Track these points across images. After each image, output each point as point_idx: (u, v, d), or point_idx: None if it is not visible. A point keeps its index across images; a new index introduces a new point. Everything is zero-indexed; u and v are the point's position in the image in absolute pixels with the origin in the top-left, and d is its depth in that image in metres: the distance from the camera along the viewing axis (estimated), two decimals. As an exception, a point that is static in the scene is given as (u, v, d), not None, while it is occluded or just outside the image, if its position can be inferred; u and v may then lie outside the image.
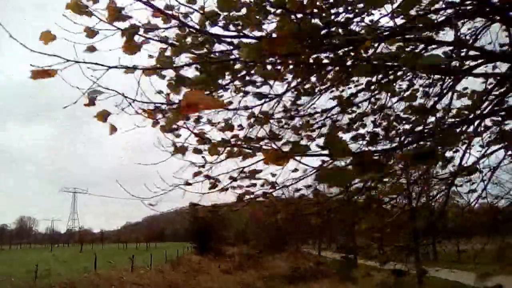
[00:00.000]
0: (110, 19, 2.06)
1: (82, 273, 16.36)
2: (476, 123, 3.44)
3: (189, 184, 2.84)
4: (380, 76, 3.26)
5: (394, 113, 3.78)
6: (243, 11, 2.25)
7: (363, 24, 2.78)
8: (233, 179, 2.87)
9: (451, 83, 3.57)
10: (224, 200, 3.19)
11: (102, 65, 2.18)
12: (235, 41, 2.20)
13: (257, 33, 2.38)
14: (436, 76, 3.68)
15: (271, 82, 2.96)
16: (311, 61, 2.62)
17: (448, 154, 3.64)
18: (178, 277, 17.48)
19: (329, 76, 3.34)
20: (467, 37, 3.63)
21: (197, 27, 2.24)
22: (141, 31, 2.23)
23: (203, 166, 2.82)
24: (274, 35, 2.32)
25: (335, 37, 2.32)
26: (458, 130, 3.45)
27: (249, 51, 1.67)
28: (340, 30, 2.42)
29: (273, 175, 3.02)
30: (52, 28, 2.15)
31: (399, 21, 2.75)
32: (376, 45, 3.00)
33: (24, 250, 55.96)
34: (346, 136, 3.59)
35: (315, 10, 2.43)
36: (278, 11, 2.31)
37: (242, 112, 3.14)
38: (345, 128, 3.64)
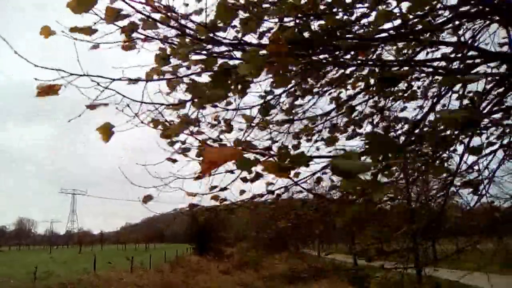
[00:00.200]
0: (108, 20, 2.06)
1: (82, 274, 16.32)
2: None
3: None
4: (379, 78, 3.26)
5: (392, 114, 3.78)
6: (242, 14, 2.25)
7: (362, 25, 2.77)
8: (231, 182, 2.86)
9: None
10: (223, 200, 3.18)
11: (106, 77, 2.22)
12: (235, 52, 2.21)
13: (256, 40, 2.38)
14: (436, 77, 3.68)
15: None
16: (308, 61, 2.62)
17: (446, 154, 3.64)
18: (177, 277, 17.45)
19: (327, 79, 3.34)
20: (467, 38, 3.64)
21: (196, 33, 2.23)
22: (140, 29, 2.23)
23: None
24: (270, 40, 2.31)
25: (339, 41, 2.31)
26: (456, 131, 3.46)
27: (248, 66, 1.65)
28: (343, 34, 2.41)
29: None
30: (52, 26, 2.17)
31: (398, 22, 2.75)
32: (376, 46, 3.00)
33: (23, 251, 55.88)
34: (343, 136, 3.59)
35: (314, 13, 2.42)
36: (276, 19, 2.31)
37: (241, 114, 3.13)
38: (343, 129, 3.63)
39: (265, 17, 2.27)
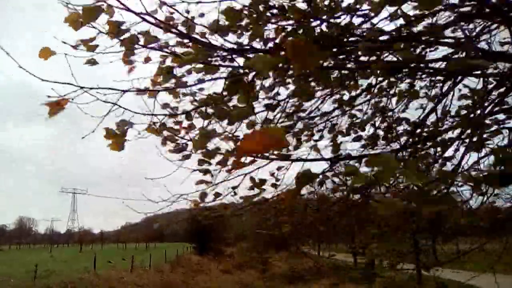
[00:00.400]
0: (112, 35, 2.06)
1: (82, 273, 16.34)
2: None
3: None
4: (381, 78, 3.25)
5: (394, 114, 3.77)
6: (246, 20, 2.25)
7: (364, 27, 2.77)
8: (235, 187, 2.85)
9: (451, 84, 3.57)
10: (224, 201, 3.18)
11: (116, 89, 2.22)
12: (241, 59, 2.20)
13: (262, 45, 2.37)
14: (437, 78, 3.67)
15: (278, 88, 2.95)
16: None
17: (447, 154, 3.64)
18: (177, 277, 17.48)
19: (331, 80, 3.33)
20: (467, 38, 3.63)
21: (200, 38, 2.23)
22: (141, 42, 2.22)
23: (206, 173, 2.80)
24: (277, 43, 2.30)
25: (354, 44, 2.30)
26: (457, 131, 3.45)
27: (263, 63, 1.60)
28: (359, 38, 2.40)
29: (277, 179, 3.01)
30: (52, 42, 2.16)
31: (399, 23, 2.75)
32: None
33: (24, 250, 55.93)
34: (346, 139, 3.57)
35: (319, 16, 2.42)
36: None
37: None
38: (345, 131, 3.62)
39: (271, 22, 2.27)
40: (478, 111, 3.41)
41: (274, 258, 25.67)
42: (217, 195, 2.81)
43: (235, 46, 2.20)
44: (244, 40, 2.36)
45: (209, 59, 2.15)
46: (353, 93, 3.49)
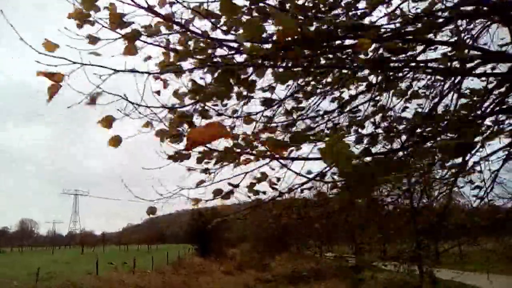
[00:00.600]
0: (113, 25, 2.07)
1: (84, 275, 16.34)
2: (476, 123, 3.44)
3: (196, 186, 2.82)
4: (380, 77, 3.26)
5: (395, 114, 3.78)
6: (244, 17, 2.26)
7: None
8: (236, 185, 2.85)
9: (452, 84, 3.57)
10: (224, 202, 3.18)
11: (107, 68, 2.20)
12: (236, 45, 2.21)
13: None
14: (437, 77, 3.68)
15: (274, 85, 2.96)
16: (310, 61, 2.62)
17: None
18: (179, 278, 17.45)
19: (329, 79, 3.34)
20: (467, 38, 3.64)
21: (199, 32, 2.24)
22: (143, 37, 2.23)
23: (205, 172, 2.81)
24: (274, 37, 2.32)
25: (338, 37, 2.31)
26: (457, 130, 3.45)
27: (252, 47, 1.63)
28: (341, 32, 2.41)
29: (278, 179, 3.00)
30: (54, 35, 2.17)
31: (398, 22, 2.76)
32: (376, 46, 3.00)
33: (26, 252, 55.92)
34: (348, 139, 3.58)
35: (316, 12, 2.43)
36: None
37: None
38: (345, 130, 3.62)
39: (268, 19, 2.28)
40: (478, 111, 3.42)
41: (275, 259, 25.62)
42: (217, 192, 2.81)
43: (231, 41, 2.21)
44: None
45: (208, 51, 2.17)
46: (353, 92, 3.50)
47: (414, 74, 3.61)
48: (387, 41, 2.64)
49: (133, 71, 2.30)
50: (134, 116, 2.38)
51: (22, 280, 14.90)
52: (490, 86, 3.52)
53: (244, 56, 2.20)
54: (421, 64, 2.98)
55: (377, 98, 3.76)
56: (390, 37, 2.59)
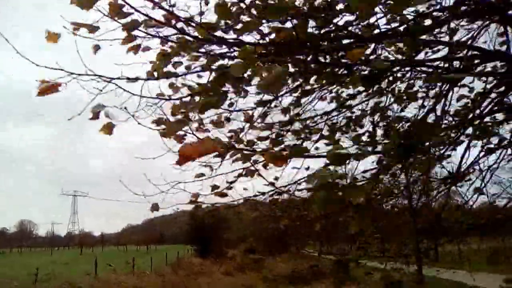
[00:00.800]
0: (112, 14, 2.08)
1: (83, 276, 16.32)
2: (475, 123, 3.45)
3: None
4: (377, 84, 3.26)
5: (393, 113, 3.79)
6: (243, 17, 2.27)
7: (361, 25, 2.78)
8: (233, 181, 2.87)
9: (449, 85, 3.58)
10: (224, 200, 3.19)
11: (105, 77, 2.24)
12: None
13: (255, 37, 2.39)
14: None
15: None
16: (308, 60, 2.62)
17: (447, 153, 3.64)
18: (178, 279, 17.43)
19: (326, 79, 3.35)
20: (466, 38, 3.65)
21: (197, 34, 2.25)
22: (142, 27, 2.25)
23: (205, 166, 2.82)
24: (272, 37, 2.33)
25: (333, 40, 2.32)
26: (457, 130, 3.46)
27: (240, 66, 1.66)
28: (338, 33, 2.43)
29: (276, 178, 3.01)
30: (54, 26, 2.19)
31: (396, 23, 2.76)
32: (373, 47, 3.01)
33: (25, 253, 55.87)
34: (345, 138, 3.59)
35: (313, 13, 2.44)
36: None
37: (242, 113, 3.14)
38: (343, 129, 3.63)
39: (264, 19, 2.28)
40: (477, 111, 3.43)
41: (275, 260, 25.61)
42: (215, 188, 2.82)
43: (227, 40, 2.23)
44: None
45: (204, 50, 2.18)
46: (351, 92, 3.51)
47: (411, 75, 3.62)
48: (384, 41, 2.65)
49: (129, 79, 2.35)
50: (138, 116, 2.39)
51: (22, 281, 14.90)
52: (489, 86, 3.53)
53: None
54: (418, 68, 2.99)
55: (376, 98, 3.77)
56: (387, 37, 2.60)
